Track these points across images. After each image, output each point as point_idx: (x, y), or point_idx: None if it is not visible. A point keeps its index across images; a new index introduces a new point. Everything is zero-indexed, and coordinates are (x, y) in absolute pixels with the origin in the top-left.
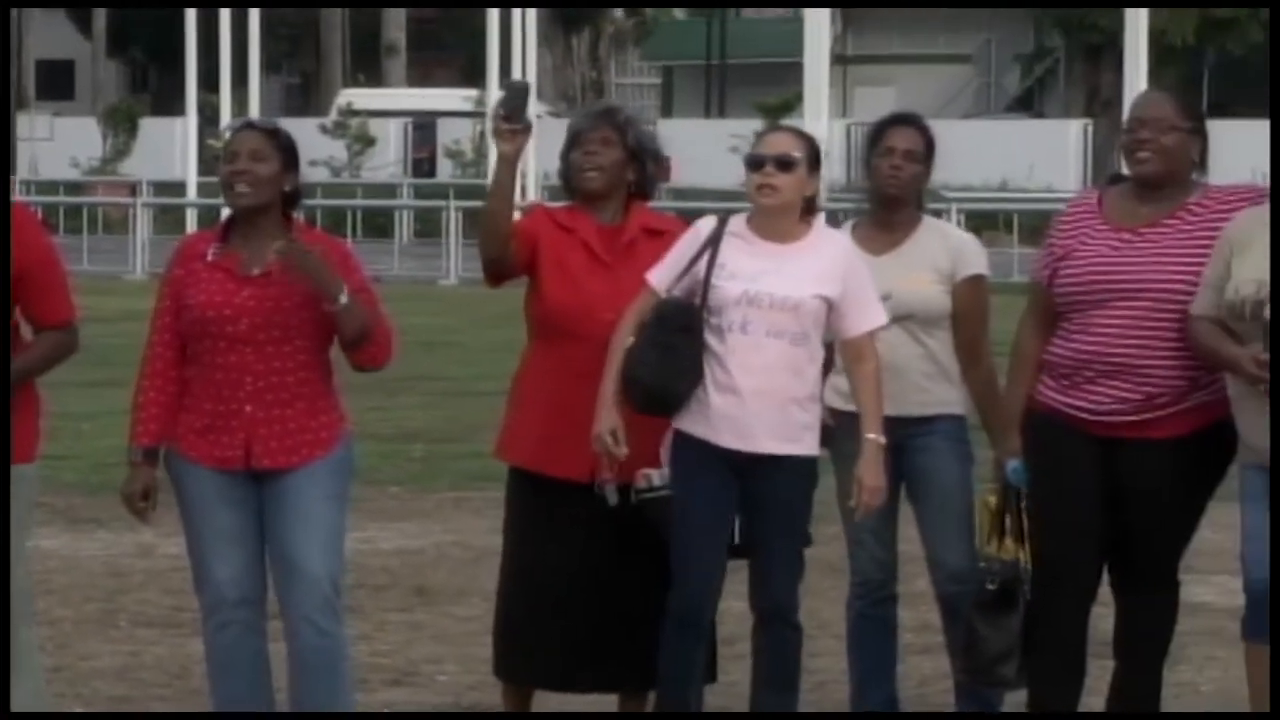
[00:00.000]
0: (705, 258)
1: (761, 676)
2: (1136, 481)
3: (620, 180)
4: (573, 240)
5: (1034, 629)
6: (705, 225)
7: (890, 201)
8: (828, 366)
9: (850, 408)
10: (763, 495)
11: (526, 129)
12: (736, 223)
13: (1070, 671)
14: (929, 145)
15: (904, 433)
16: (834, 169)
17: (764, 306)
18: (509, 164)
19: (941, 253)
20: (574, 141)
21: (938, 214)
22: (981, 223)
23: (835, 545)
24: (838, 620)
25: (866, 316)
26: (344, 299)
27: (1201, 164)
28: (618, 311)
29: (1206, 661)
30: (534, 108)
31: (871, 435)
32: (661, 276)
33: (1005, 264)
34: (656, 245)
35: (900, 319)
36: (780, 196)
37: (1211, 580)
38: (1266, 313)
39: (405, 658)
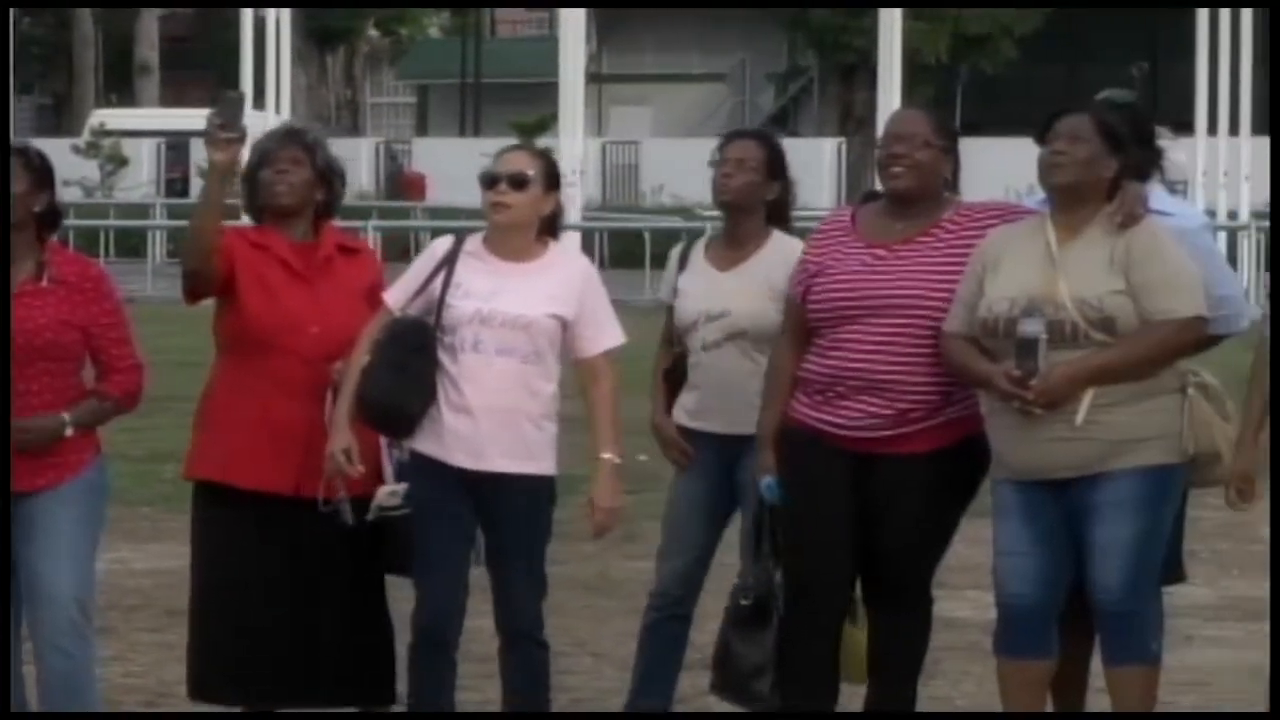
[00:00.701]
0: (441, 277)
1: (510, 694)
2: (889, 497)
3: (309, 199)
4: (268, 257)
5: (786, 644)
6: (441, 245)
7: (730, 211)
8: (678, 382)
9: (695, 425)
10: (500, 515)
11: (241, 138)
12: (473, 242)
13: (822, 686)
14: (770, 157)
15: (736, 450)
16: (589, 187)
17: (496, 325)
18: (221, 174)
19: (782, 269)
20: (262, 161)
21: (693, 233)
22: None
23: (588, 564)
24: (594, 638)
25: (602, 337)
26: (69, 430)
27: (953, 182)
28: (321, 325)
29: (961, 676)
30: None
31: (606, 455)
32: (397, 296)
33: None
34: (352, 263)
35: (733, 336)
36: (512, 214)
37: (965, 595)
38: (1019, 329)
39: (158, 679)
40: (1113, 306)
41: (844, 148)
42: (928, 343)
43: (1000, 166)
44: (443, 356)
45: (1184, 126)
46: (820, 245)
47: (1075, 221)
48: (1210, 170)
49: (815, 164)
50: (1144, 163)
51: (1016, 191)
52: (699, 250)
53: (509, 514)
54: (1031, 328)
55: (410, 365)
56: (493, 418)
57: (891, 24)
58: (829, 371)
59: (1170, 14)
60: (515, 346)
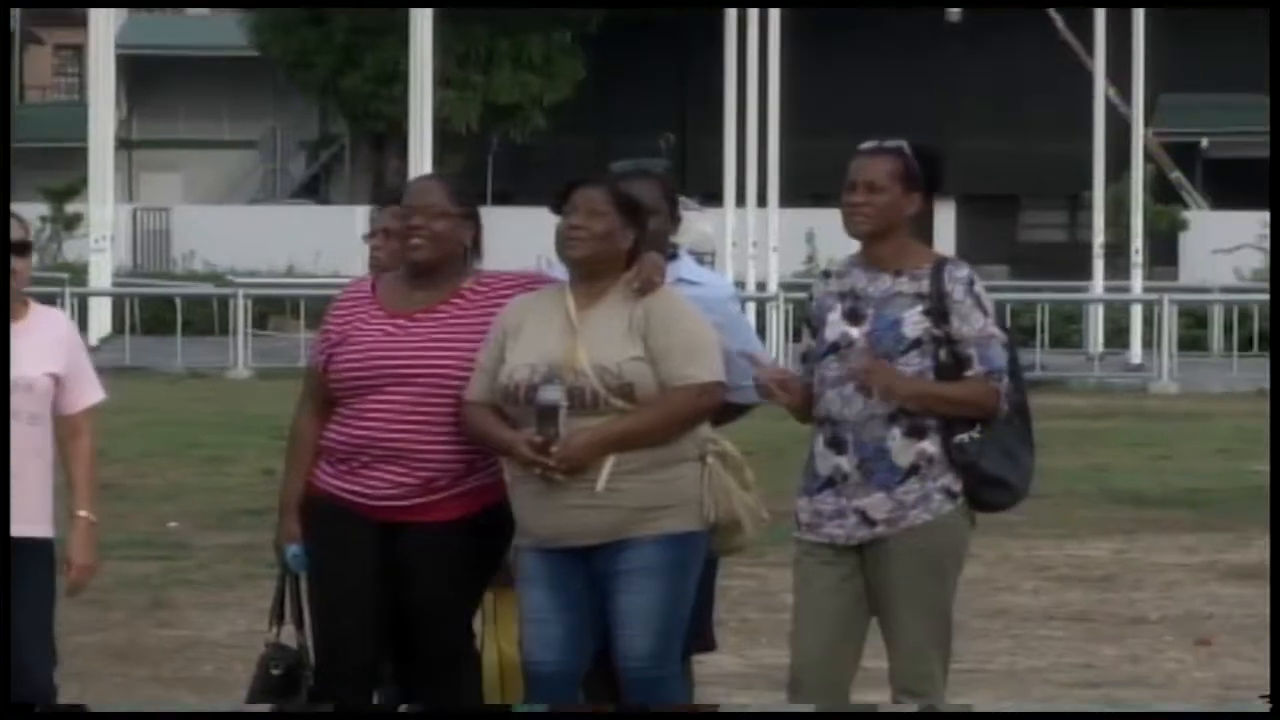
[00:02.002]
0: None
1: None
2: (414, 564)
3: None
4: None
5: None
6: None
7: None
8: None
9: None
10: (16, 581)
11: None
12: None
13: None
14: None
15: None
16: (120, 253)
17: None
18: None
19: None
20: None
21: (224, 300)
22: (268, 308)
23: (118, 631)
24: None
25: (85, 394)
26: None
27: (475, 249)
28: None
29: None
30: None
31: (83, 513)
32: None
33: (293, 350)
34: None
35: None
36: (18, 282)
37: None
38: (539, 396)
39: None
40: (631, 373)
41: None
42: (450, 411)
43: (532, 235)
44: None
45: (712, 198)
46: (342, 314)
47: (595, 290)
48: (739, 241)
49: (346, 231)
50: (669, 232)
51: (548, 259)
52: None
53: (25, 579)
54: (551, 395)
55: None
56: (12, 483)
57: (422, 93)
58: (352, 441)
59: (699, 87)
60: (21, 409)
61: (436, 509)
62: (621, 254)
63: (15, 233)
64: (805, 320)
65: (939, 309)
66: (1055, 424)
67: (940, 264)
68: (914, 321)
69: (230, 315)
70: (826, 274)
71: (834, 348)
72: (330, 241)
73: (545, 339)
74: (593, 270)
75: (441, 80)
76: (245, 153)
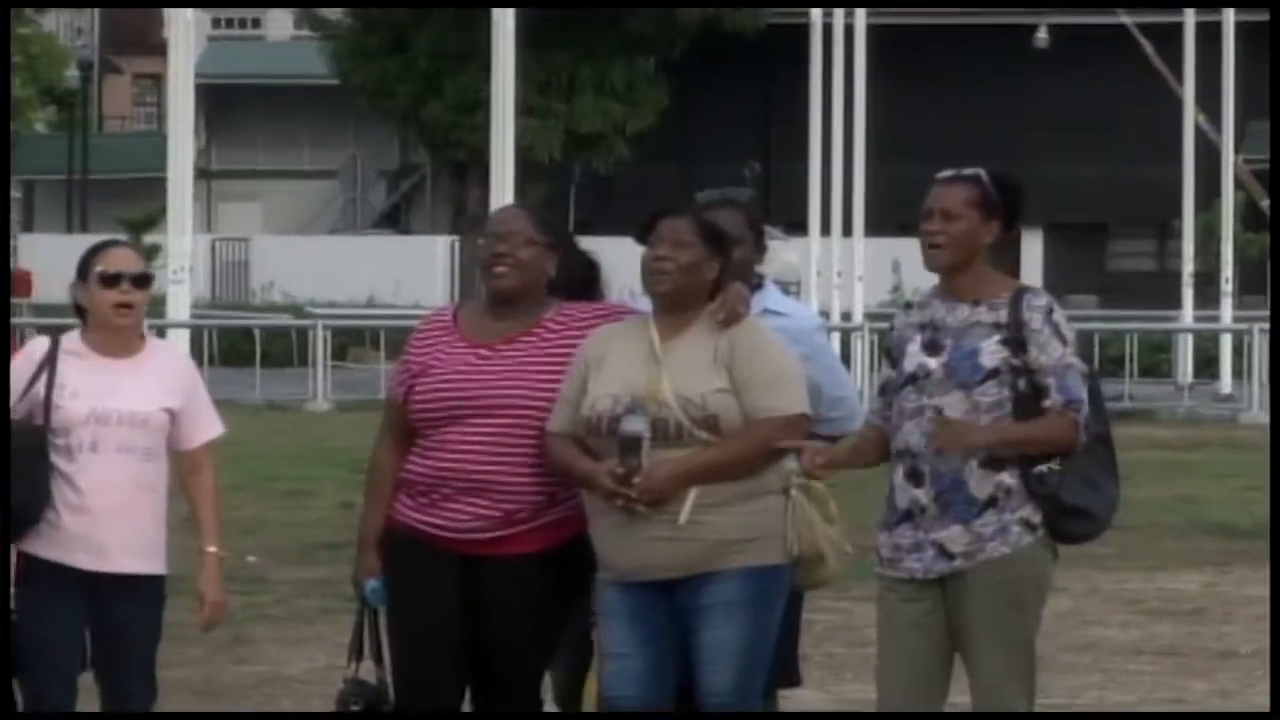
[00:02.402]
0: (43, 379)
1: None
2: (496, 596)
3: None
4: None
5: None
6: (38, 347)
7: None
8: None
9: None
10: (119, 616)
11: None
12: (71, 341)
13: None
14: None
15: None
16: (199, 284)
17: (113, 423)
18: None
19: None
20: None
21: (303, 331)
22: (348, 339)
23: (196, 668)
24: None
25: (205, 428)
26: None
27: (595, 284)
28: None
29: None
30: None
31: (211, 548)
32: None
33: (373, 381)
34: None
35: None
36: (137, 314)
37: None
38: (622, 427)
39: None
40: (716, 404)
41: (456, 245)
42: (532, 443)
43: (615, 265)
44: (57, 458)
45: (797, 227)
46: (422, 345)
47: (679, 321)
48: (824, 270)
49: (428, 262)
50: (755, 262)
51: (631, 290)
52: None
53: (129, 615)
54: (634, 425)
55: (20, 467)
56: (115, 517)
57: (503, 121)
58: (433, 473)
59: (783, 115)
60: (135, 444)
61: (517, 541)
62: (706, 285)
63: (137, 265)
64: (885, 351)
65: (1017, 338)
66: (1144, 455)
67: (1019, 293)
68: (991, 351)
69: (309, 347)
70: (908, 305)
71: (912, 379)
72: (411, 272)
73: (628, 369)
74: (678, 301)
75: (523, 109)
76: (325, 182)
